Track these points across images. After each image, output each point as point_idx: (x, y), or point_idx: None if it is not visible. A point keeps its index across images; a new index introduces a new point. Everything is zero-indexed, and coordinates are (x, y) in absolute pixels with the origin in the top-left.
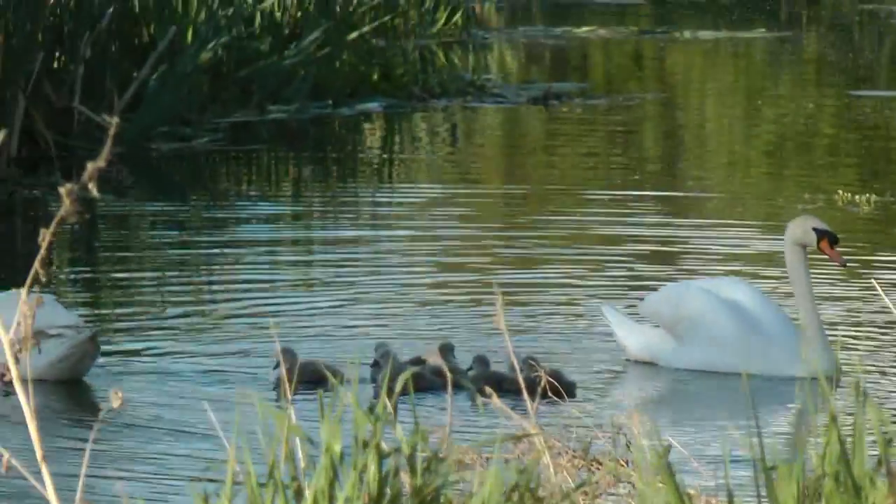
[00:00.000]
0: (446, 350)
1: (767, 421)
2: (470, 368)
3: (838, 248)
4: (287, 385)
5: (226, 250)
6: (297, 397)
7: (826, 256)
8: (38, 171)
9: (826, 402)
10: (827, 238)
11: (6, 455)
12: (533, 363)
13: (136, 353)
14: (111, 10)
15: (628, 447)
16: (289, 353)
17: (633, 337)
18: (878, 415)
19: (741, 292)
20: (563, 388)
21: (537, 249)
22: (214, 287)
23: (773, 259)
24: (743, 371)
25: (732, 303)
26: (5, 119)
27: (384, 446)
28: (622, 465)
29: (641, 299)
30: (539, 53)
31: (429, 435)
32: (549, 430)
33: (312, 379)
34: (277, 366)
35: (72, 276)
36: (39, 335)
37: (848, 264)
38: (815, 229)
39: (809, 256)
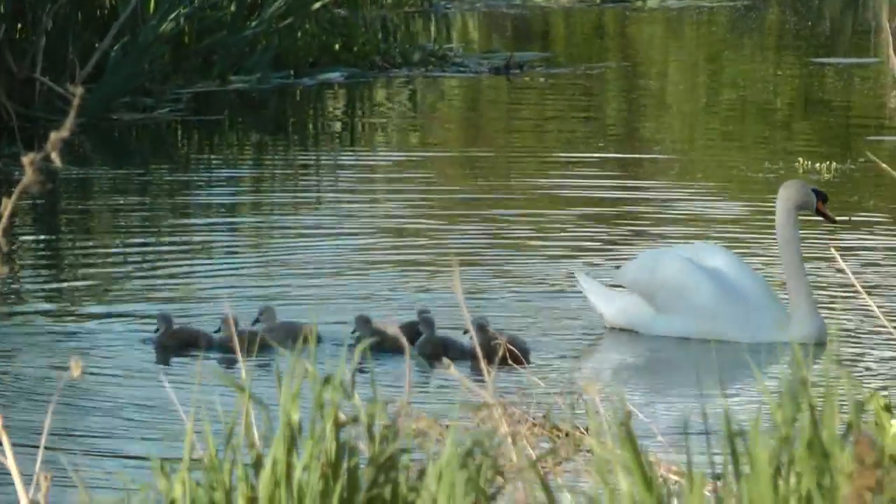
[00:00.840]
0: (426, 319)
1: (744, 387)
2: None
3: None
4: (238, 347)
5: (185, 217)
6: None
7: (813, 217)
8: None
9: (803, 369)
10: (821, 198)
11: None
12: (485, 327)
13: (94, 316)
14: None
15: (587, 414)
16: (164, 319)
17: (610, 304)
18: (850, 380)
19: (719, 258)
20: (519, 354)
21: (501, 211)
22: (170, 252)
23: (738, 223)
24: (723, 338)
25: (712, 269)
26: None
27: (341, 415)
28: (582, 433)
29: (617, 266)
30: (501, 23)
31: (387, 404)
32: (509, 398)
33: (188, 343)
34: (157, 331)
35: (33, 244)
36: None
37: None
38: (813, 190)
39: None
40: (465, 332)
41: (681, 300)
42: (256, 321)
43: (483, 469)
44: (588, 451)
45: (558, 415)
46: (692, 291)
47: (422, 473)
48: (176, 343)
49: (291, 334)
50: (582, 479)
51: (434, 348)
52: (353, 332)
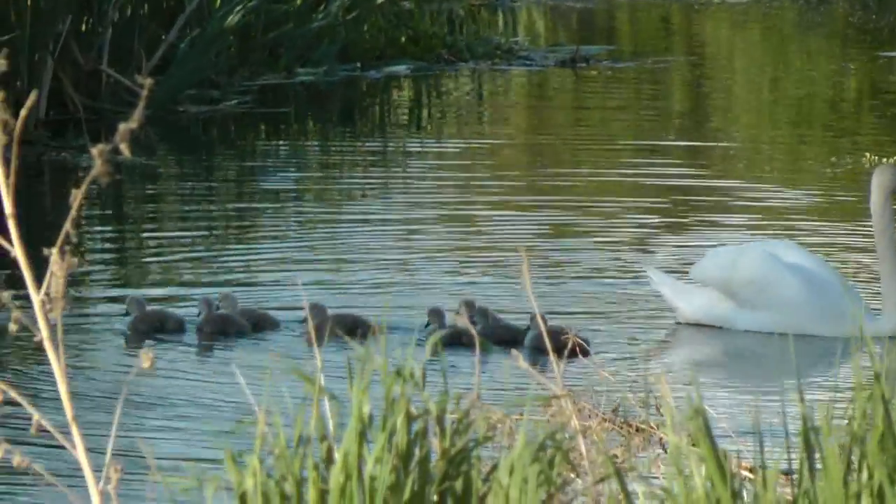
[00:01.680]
0: (469, 306)
1: (822, 382)
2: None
3: None
4: (314, 336)
5: (251, 207)
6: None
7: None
8: (65, 133)
9: (876, 362)
10: None
11: (36, 416)
12: (469, 306)
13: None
14: None
15: (658, 410)
16: (136, 303)
17: (688, 300)
18: None
19: (793, 254)
20: (578, 347)
21: (567, 200)
22: (236, 241)
23: (805, 214)
24: (808, 332)
25: (796, 265)
26: (34, 81)
27: (412, 409)
28: (652, 428)
29: (687, 262)
30: (567, 16)
31: (457, 397)
32: (578, 391)
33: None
34: (126, 314)
35: (99, 236)
36: None
37: None
38: None
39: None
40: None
41: (766, 295)
42: (216, 308)
43: (555, 463)
44: (660, 446)
45: (628, 409)
46: (778, 286)
47: (494, 467)
48: (147, 327)
49: (253, 320)
50: (654, 473)
51: (445, 340)
52: (426, 325)
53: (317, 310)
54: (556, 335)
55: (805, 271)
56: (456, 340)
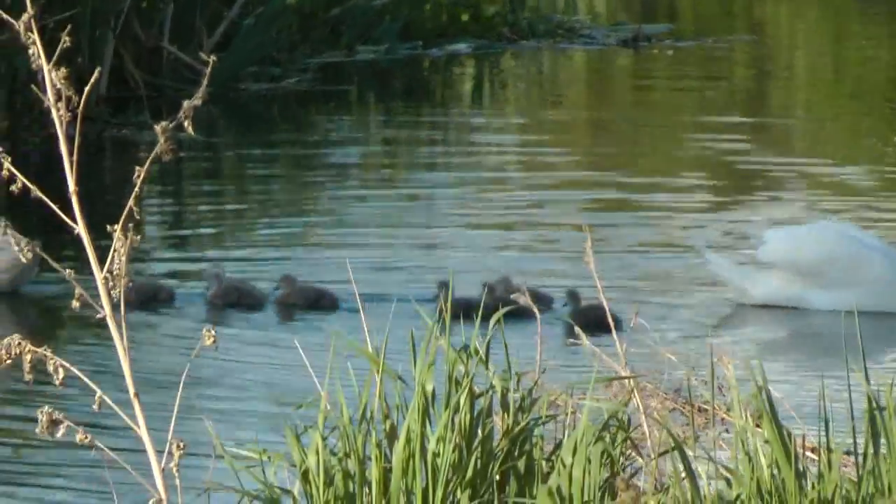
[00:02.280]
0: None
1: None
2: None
3: None
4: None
5: (312, 187)
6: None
7: None
8: (126, 110)
9: None
10: None
11: (99, 392)
12: (504, 283)
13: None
14: None
15: (720, 390)
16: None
17: (757, 282)
18: None
19: (860, 233)
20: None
21: (628, 178)
22: (298, 221)
23: (865, 191)
24: (892, 310)
25: (874, 244)
26: (95, 58)
27: (476, 387)
28: (715, 409)
29: (749, 240)
30: None
31: (521, 375)
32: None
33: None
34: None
35: (160, 212)
36: None
37: None
38: None
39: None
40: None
41: (850, 274)
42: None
43: (618, 442)
44: (723, 425)
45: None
46: (865, 265)
47: (557, 446)
48: (138, 297)
49: (310, 300)
50: (717, 452)
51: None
52: (434, 297)
53: (288, 281)
54: (594, 311)
55: (885, 249)
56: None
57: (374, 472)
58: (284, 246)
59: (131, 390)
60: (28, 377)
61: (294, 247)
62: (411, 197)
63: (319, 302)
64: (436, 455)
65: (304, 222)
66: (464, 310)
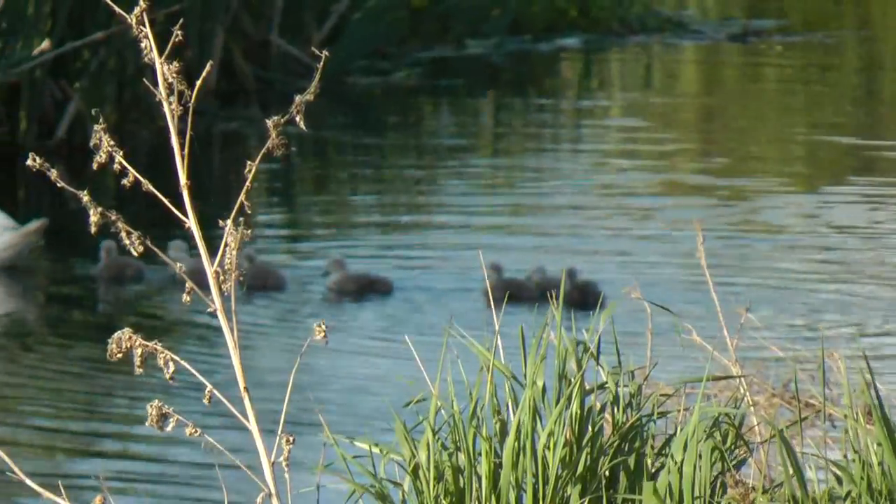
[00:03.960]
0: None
1: None
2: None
3: None
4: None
5: (420, 180)
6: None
7: None
8: (235, 103)
9: None
10: None
11: (209, 387)
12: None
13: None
14: None
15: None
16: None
17: None
18: None
19: None
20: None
21: (737, 179)
22: (406, 211)
23: None
24: None
25: None
26: (204, 52)
27: (586, 382)
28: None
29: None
30: None
31: (632, 370)
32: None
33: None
34: (325, 274)
35: (271, 205)
36: None
37: None
38: None
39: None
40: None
41: None
42: (325, 273)
43: (728, 439)
44: (831, 422)
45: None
46: None
47: (666, 443)
48: (109, 275)
49: (361, 285)
50: (825, 450)
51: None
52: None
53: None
54: (585, 288)
55: None
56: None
57: (484, 468)
58: (392, 237)
59: (241, 384)
60: (139, 371)
61: (402, 237)
62: (520, 190)
63: (373, 287)
64: (546, 450)
65: (412, 215)
66: (512, 292)
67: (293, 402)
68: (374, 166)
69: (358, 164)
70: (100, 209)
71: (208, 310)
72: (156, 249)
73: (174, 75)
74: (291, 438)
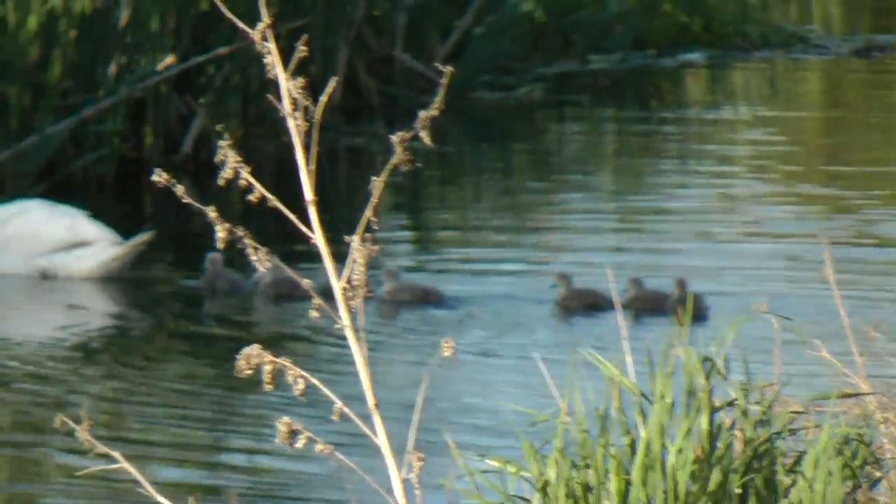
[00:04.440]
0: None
1: None
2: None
3: None
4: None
5: (548, 197)
6: None
7: None
8: (359, 119)
9: None
10: None
11: (339, 403)
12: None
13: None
14: None
15: None
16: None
17: None
18: None
19: None
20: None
21: (862, 197)
22: (534, 231)
23: None
24: None
25: None
26: (328, 67)
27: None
28: None
29: None
30: (862, 3)
31: (763, 386)
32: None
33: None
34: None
35: (395, 221)
36: (82, 244)
37: None
38: None
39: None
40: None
41: None
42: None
43: (860, 457)
44: None
45: None
46: None
47: (797, 460)
48: (212, 286)
49: (417, 296)
50: None
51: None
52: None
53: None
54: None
55: None
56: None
57: (613, 485)
58: (519, 252)
59: (371, 401)
60: (268, 388)
61: (530, 253)
62: (643, 207)
63: (426, 298)
64: (676, 467)
65: (538, 230)
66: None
67: (430, 420)
68: (497, 180)
69: (482, 178)
70: (226, 225)
71: (336, 326)
72: (282, 265)
73: (299, 91)
74: (421, 455)
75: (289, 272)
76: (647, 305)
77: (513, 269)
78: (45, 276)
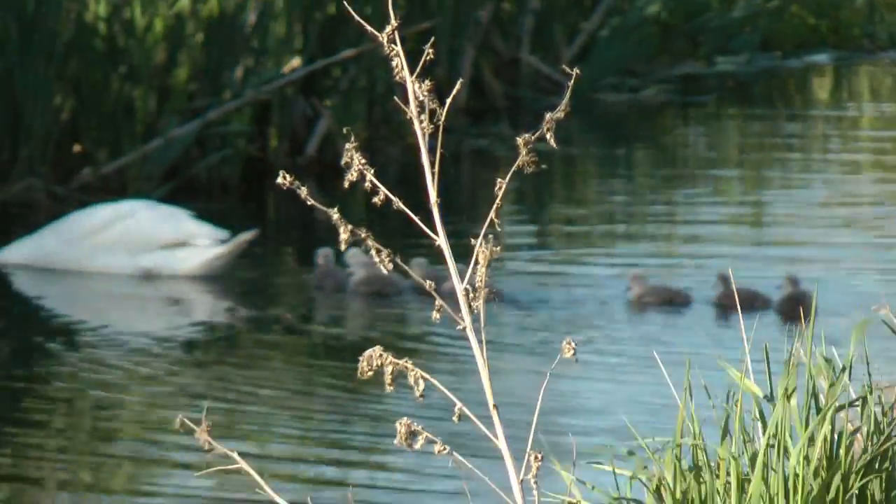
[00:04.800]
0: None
1: None
2: None
3: None
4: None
5: (669, 197)
6: None
7: None
8: (484, 120)
9: None
10: None
11: (458, 404)
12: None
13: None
14: None
15: None
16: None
17: None
18: None
19: None
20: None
21: None
22: (664, 235)
23: None
24: None
25: None
26: (454, 69)
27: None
28: None
29: None
30: None
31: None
32: None
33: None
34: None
35: (519, 222)
36: (185, 244)
37: None
38: None
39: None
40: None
41: None
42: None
43: None
44: None
45: None
46: None
47: None
48: (324, 284)
49: (664, 298)
50: None
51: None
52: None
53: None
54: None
55: None
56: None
57: (732, 488)
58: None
59: (490, 402)
60: (389, 388)
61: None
62: (767, 201)
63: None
64: (796, 474)
65: (667, 232)
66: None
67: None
68: (622, 181)
69: (607, 179)
70: (349, 226)
71: (458, 327)
72: (404, 266)
73: (426, 94)
74: (539, 455)
75: (412, 275)
76: (733, 302)
77: (613, 268)
78: (151, 276)
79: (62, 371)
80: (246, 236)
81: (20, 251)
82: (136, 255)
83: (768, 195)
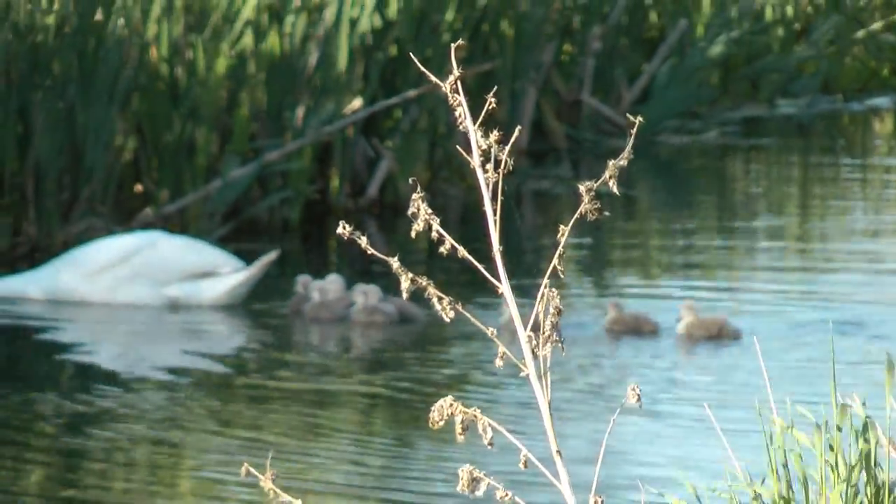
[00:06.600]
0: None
1: None
2: None
3: None
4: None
5: (731, 242)
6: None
7: None
8: (546, 162)
9: None
10: None
11: (524, 451)
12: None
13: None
14: (621, 2)
15: None
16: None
17: None
18: None
19: None
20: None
21: None
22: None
23: None
24: None
25: None
26: (515, 111)
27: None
28: None
29: None
30: None
31: None
32: None
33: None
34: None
35: (581, 265)
36: (209, 275)
37: None
38: None
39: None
40: None
41: None
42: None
43: None
44: None
45: None
46: None
47: None
48: (297, 310)
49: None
50: None
51: None
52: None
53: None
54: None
55: None
56: None
57: None
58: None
59: (553, 447)
60: (460, 438)
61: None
62: (825, 246)
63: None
64: None
65: (730, 276)
66: None
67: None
68: (685, 225)
69: (669, 223)
70: (410, 275)
71: (521, 374)
72: (467, 314)
73: (489, 144)
74: (601, 500)
75: (472, 319)
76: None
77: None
78: (176, 306)
79: (111, 410)
80: (268, 258)
81: (34, 285)
82: (161, 286)
83: (824, 239)
